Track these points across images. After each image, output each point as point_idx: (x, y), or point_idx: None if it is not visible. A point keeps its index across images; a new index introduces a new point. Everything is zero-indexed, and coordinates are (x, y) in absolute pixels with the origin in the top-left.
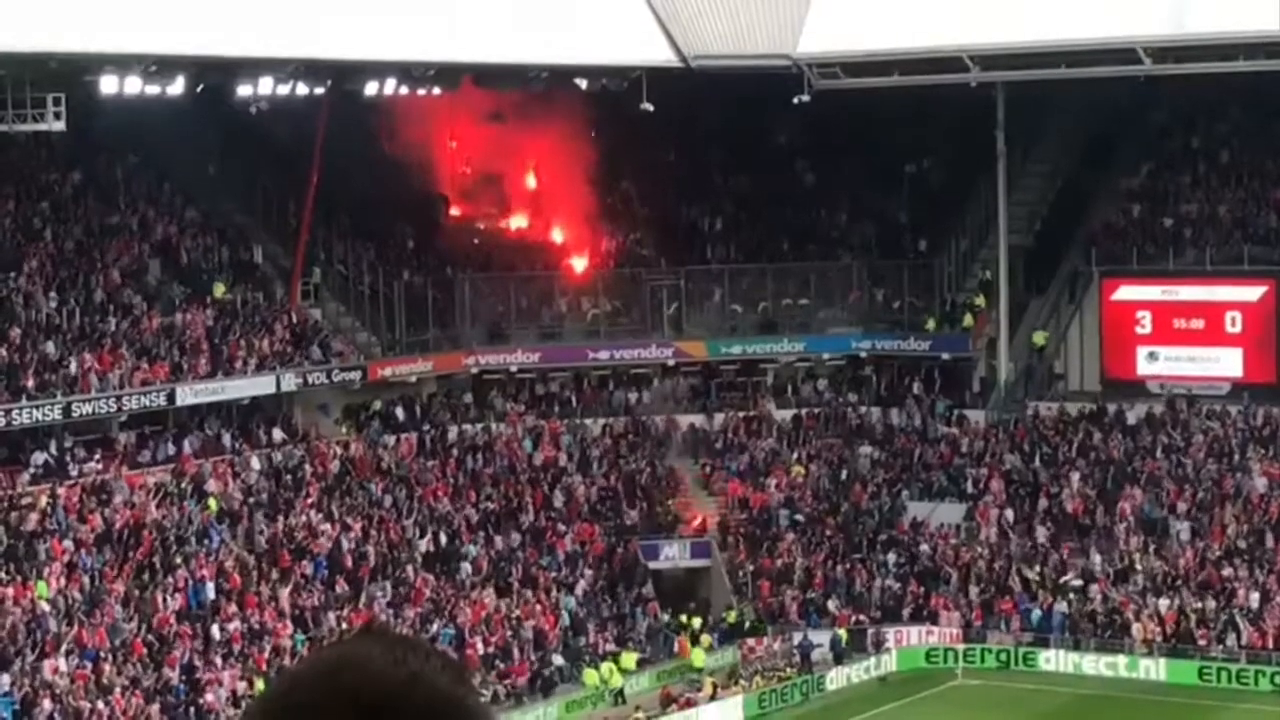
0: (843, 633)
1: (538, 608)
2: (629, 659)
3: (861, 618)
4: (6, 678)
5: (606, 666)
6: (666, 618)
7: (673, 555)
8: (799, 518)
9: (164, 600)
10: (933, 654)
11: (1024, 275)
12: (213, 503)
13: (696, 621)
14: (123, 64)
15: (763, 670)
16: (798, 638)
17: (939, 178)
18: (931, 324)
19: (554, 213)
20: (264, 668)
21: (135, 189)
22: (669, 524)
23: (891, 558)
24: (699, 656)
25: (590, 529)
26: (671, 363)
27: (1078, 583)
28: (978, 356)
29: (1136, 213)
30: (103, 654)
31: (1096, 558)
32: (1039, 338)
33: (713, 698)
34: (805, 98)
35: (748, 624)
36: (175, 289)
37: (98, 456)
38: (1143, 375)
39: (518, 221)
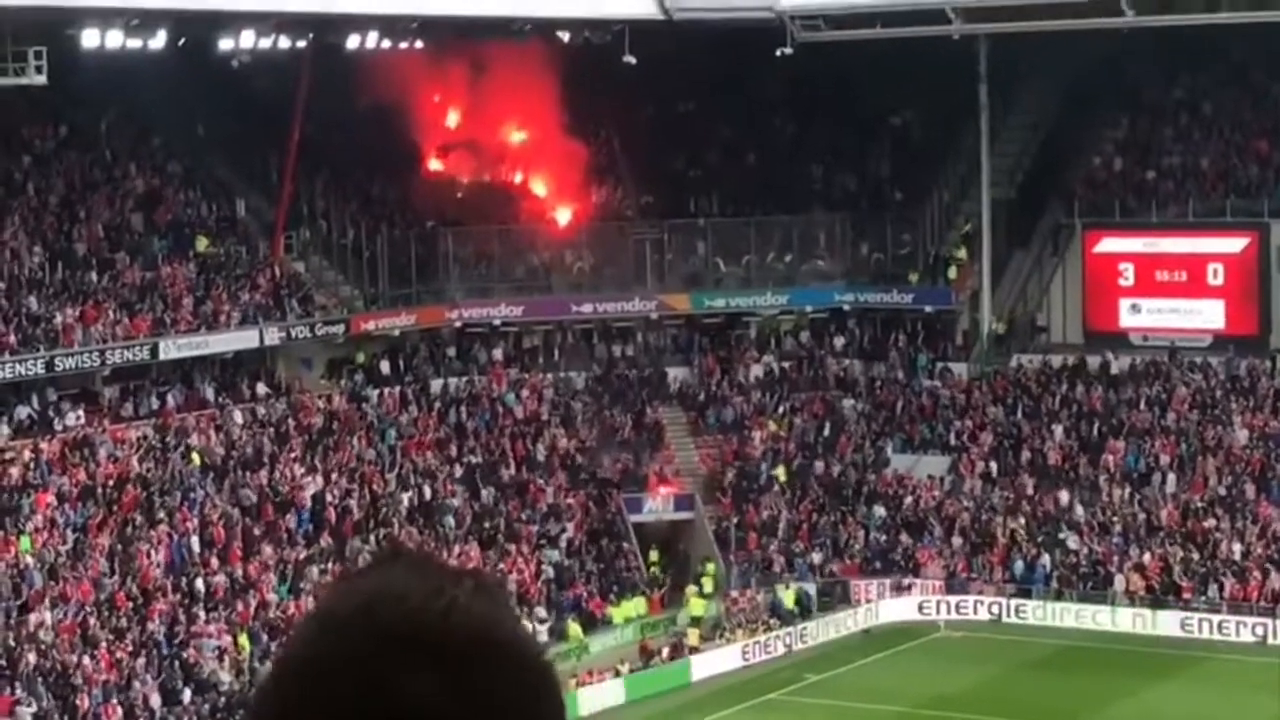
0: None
1: (520, 561)
2: (630, 607)
3: (836, 569)
4: None
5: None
6: (649, 572)
7: (656, 509)
8: (780, 474)
9: (148, 554)
10: (922, 605)
11: (1006, 228)
12: (196, 457)
13: (655, 570)
14: (104, 17)
15: (745, 623)
16: (763, 593)
17: (921, 131)
18: (914, 277)
19: (537, 166)
20: (248, 622)
21: (117, 143)
22: (645, 480)
23: (879, 510)
24: (698, 605)
25: (573, 482)
26: (655, 316)
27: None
28: (961, 309)
29: (1119, 165)
30: (87, 608)
31: (1080, 510)
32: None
33: (695, 650)
34: (788, 50)
35: (707, 579)
36: (158, 243)
37: (81, 410)
38: (1125, 327)
39: (501, 175)
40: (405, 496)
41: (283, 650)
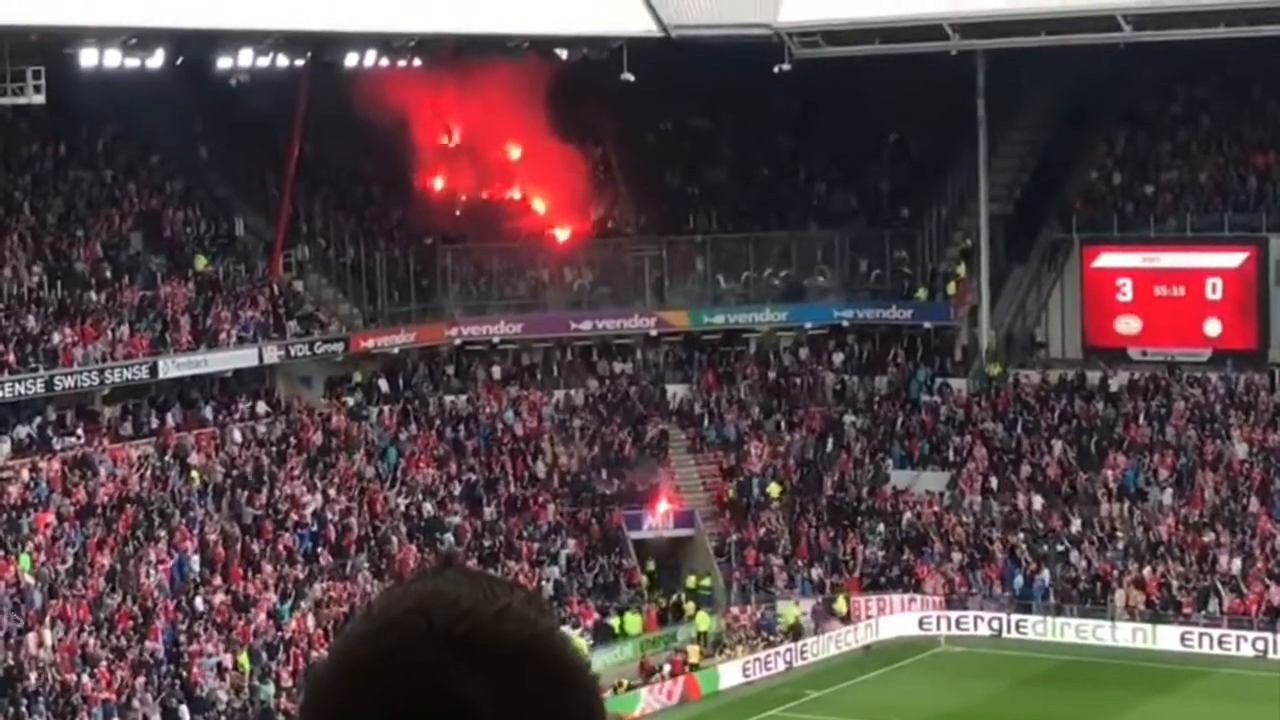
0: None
1: (520, 578)
2: (632, 621)
3: (840, 582)
4: None
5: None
6: (644, 588)
7: (656, 525)
8: (773, 490)
9: (148, 573)
10: (923, 621)
11: (1005, 243)
12: (196, 475)
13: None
14: (102, 37)
15: (746, 639)
16: (762, 611)
17: (920, 146)
18: (923, 293)
19: (535, 183)
20: (248, 640)
21: (116, 162)
22: (644, 497)
23: (878, 526)
24: (704, 620)
25: (573, 499)
26: (654, 333)
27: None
28: (959, 325)
29: (1117, 180)
30: (87, 627)
31: (1079, 524)
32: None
33: (696, 666)
34: (786, 67)
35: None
36: (156, 261)
37: (80, 429)
38: (1124, 340)
39: (499, 192)
40: (405, 512)
41: (335, 649)
